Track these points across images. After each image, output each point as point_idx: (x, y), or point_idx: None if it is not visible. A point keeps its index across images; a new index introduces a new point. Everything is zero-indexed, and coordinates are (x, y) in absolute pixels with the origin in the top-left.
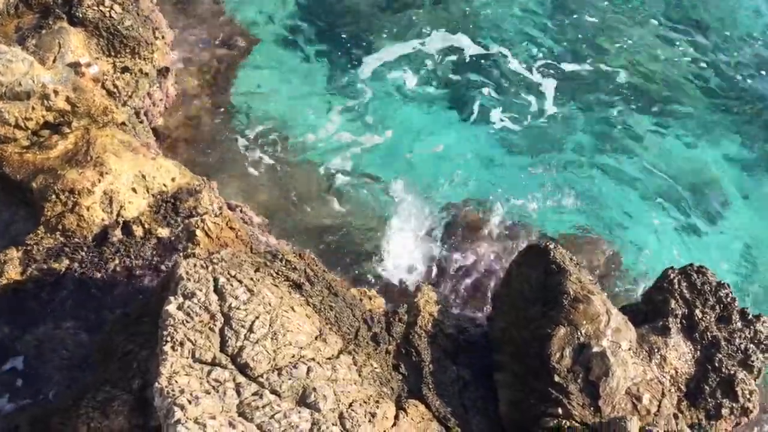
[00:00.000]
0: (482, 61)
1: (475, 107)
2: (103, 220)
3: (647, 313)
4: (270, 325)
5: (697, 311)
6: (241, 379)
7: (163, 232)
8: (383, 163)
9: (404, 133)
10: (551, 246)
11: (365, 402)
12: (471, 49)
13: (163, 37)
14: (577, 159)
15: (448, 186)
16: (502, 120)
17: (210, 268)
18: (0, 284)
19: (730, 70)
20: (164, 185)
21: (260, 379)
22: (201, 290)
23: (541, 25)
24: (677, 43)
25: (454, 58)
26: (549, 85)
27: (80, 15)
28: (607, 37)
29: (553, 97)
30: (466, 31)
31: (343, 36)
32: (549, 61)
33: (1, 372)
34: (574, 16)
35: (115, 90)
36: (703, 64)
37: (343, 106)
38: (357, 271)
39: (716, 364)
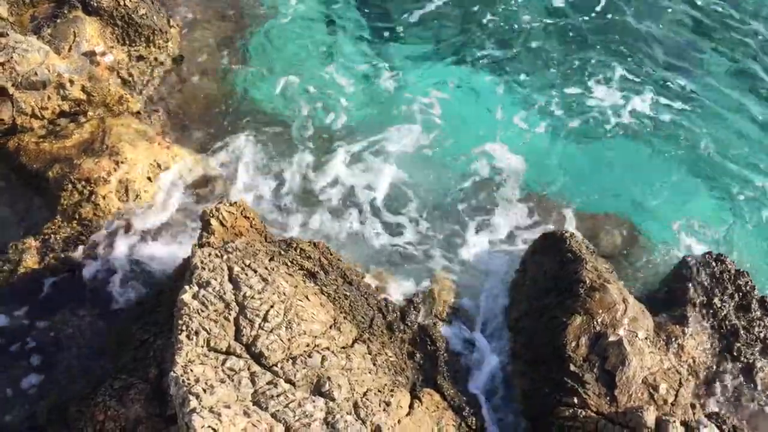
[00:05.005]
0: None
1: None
2: (119, 208)
3: (665, 302)
4: (284, 315)
5: (716, 300)
6: (255, 368)
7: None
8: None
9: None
10: (567, 234)
11: (380, 391)
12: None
13: (178, 26)
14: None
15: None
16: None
17: (225, 257)
18: (18, 273)
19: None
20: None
21: (275, 369)
22: (216, 279)
23: None
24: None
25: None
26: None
27: (95, 4)
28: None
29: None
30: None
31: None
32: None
33: (20, 357)
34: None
35: (130, 79)
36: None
37: (365, 83)
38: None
39: (735, 353)
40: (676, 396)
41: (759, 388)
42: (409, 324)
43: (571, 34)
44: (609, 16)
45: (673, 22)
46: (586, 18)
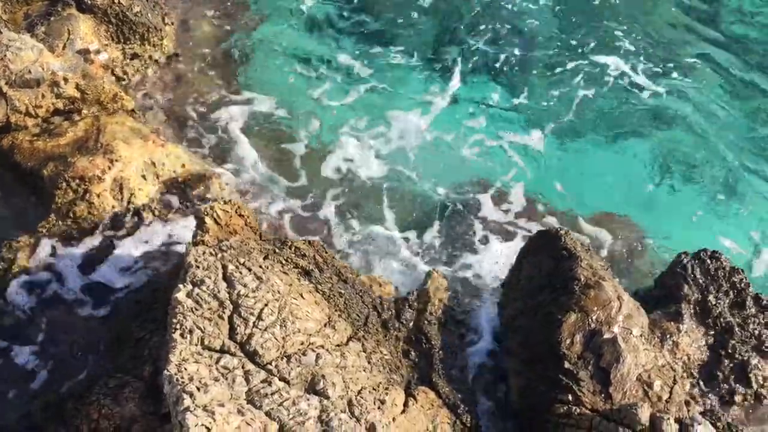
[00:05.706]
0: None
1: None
2: (113, 207)
3: (660, 299)
4: (279, 313)
5: (711, 297)
6: (250, 366)
7: (174, 219)
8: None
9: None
10: (562, 232)
11: (374, 389)
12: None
13: (172, 23)
14: (592, 133)
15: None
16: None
17: (219, 256)
18: (13, 271)
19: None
20: (174, 172)
21: (269, 367)
22: (210, 278)
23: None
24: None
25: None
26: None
27: (89, 1)
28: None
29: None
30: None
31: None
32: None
33: (19, 356)
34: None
35: (125, 77)
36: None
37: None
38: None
39: (729, 350)
40: (671, 393)
41: (753, 384)
42: (404, 322)
43: (573, 19)
44: (614, 1)
45: (673, 12)
46: (588, 5)
